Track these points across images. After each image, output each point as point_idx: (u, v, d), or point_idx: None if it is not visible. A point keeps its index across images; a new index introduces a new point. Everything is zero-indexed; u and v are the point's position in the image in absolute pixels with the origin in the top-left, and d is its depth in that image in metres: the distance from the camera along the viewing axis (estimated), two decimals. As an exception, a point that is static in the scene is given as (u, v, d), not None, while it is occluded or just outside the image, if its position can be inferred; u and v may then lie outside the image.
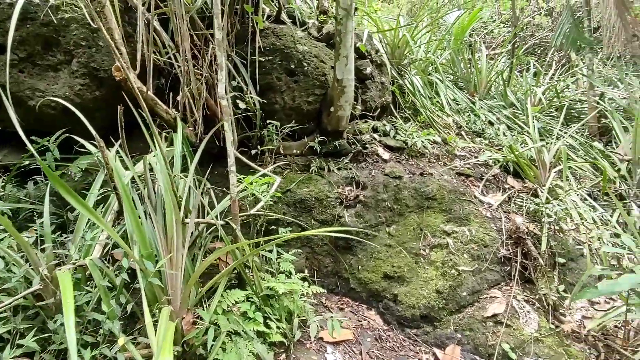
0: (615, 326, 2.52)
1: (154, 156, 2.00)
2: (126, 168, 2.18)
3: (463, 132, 4.56)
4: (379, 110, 4.04)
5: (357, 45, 3.43)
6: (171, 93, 2.97)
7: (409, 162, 3.49)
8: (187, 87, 2.76)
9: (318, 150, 3.31)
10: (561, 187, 3.70)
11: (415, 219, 3.06)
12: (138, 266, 1.62)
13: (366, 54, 3.92)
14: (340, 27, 3.02)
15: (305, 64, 3.28)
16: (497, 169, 3.75)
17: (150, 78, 2.43)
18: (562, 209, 2.91)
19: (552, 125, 4.81)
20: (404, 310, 2.69)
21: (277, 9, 3.62)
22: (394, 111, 4.30)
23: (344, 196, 3.17)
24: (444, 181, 3.27)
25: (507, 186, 3.61)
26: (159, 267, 1.61)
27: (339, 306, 2.87)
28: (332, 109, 3.26)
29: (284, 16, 3.77)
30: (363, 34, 3.88)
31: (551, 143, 3.82)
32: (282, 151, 3.34)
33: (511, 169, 3.83)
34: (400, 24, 4.73)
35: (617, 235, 3.27)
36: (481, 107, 5.23)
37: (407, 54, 4.85)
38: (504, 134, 4.71)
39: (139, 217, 1.83)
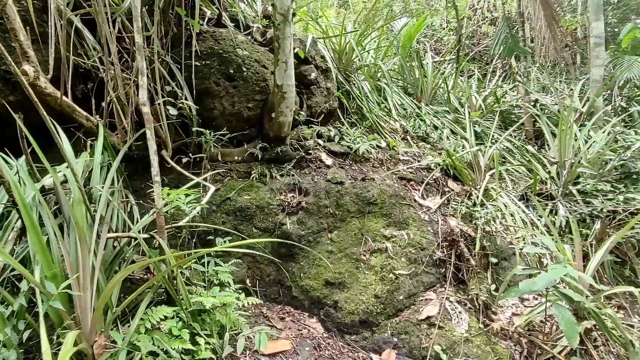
0: (542, 321, 2.66)
1: (67, 167, 1.85)
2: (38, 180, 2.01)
3: (408, 137, 4.68)
4: (325, 115, 4.04)
5: (296, 50, 3.41)
6: (100, 98, 2.80)
7: (353, 168, 3.52)
8: (113, 92, 2.61)
9: (260, 156, 3.26)
10: (495, 189, 3.89)
11: (357, 224, 3.08)
12: (38, 289, 1.48)
13: (310, 59, 3.91)
14: (278, 32, 2.99)
15: (244, 69, 3.22)
16: (438, 172, 3.87)
17: (66, 82, 2.27)
18: (491, 211, 3.04)
19: (491, 129, 5.05)
20: (344, 316, 2.68)
21: (218, 12, 3.54)
22: (341, 116, 4.33)
23: (287, 203, 3.13)
24: (385, 186, 3.32)
25: (447, 189, 3.74)
26: (62, 289, 1.49)
27: (280, 316, 2.82)
28: (273, 115, 3.21)
29: (225, 20, 3.69)
30: (307, 39, 3.87)
31: (488, 147, 4.00)
32: (222, 158, 3.24)
33: (451, 173, 3.97)
34: (347, 30, 4.79)
35: (546, 234, 3.48)
36: (427, 112, 5.40)
37: (354, 60, 4.91)
38: (447, 138, 4.88)
39: (46, 235, 1.68)
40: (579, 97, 5.11)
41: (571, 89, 5.20)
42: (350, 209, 3.12)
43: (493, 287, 2.76)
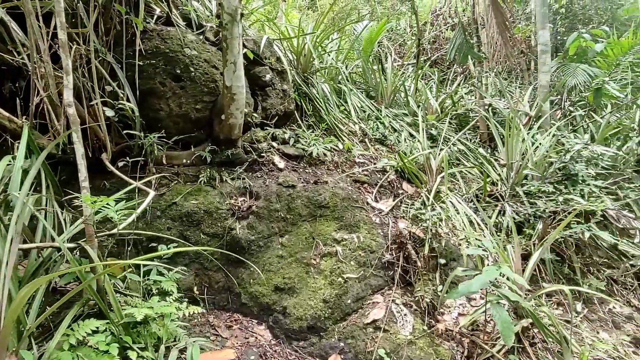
0: (486, 320, 2.72)
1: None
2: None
3: (367, 139, 4.71)
4: (280, 117, 3.99)
5: (245, 51, 3.34)
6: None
7: (307, 171, 3.49)
8: (44, 91, 2.45)
9: (209, 159, 3.16)
10: (449, 190, 3.98)
11: (308, 228, 3.05)
12: None
13: (264, 60, 3.86)
14: (226, 32, 2.92)
15: (192, 69, 3.12)
16: (393, 175, 3.92)
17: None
18: (439, 213, 3.10)
19: (447, 132, 5.17)
20: (292, 322, 2.64)
21: (167, 10, 3.41)
22: (299, 119, 4.29)
23: (237, 207, 3.06)
24: (338, 189, 3.31)
25: (401, 191, 3.78)
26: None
27: (227, 324, 2.74)
28: (223, 117, 3.13)
29: (176, 18, 3.57)
30: (261, 40, 3.81)
31: (443, 149, 4.09)
32: (169, 161, 3.12)
33: (406, 175, 4.02)
34: (306, 32, 4.76)
35: (494, 235, 3.59)
36: (386, 115, 5.46)
37: (313, 62, 4.90)
38: (405, 140, 4.96)
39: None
40: (529, 102, 5.32)
41: (523, 94, 5.41)
42: (302, 212, 3.08)
43: (440, 287, 2.81)
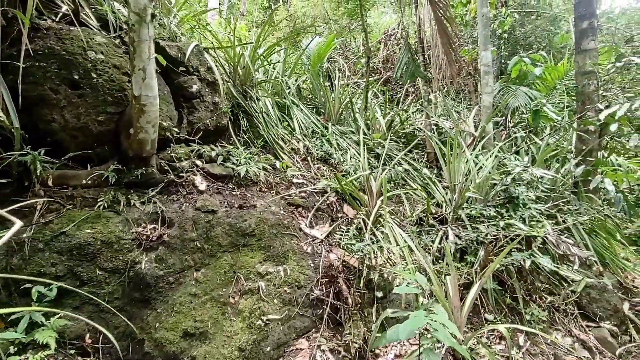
0: (424, 361, 2.45)
1: None
2: None
3: (309, 158, 4.42)
4: (211, 133, 3.61)
5: (155, 56, 2.95)
6: None
7: (233, 193, 3.11)
8: None
9: (114, 180, 2.71)
10: (391, 213, 3.76)
11: (229, 260, 2.66)
12: None
13: (192, 69, 3.49)
14: (133, 34, 2.53)
15: (95, 75, 2.68)
16: (333, 196, 3.64)
17: None
18: (375, 242, 2.84)
19: (393, 151, 5.02)
20: (201, 376, 2.22)
21: (73, 7, 2.97)
22: (233, 135, 3.93)
23: (144, 236, 2.61)
24: (268, 213, 2.96)
25: (340, 215, 3.50)
26: None
27: (122, 381, 2.26)
28: (131, 131, 2.71)
29: (88, 18, 3.13)
30: (187, 47, 3.45)
31: (384, 170, 3.88)
32: (63, 182, 2.63)
33: (348, 197, 3.76)
34: (250, 43, 4.46)
35: (437, 261, 3.39)
36: (333, 132, 5.24)
37: (253, 75, 4.58)
38: (350, 159, 4.73)
39: None
40: (475, 122, 5.32)
41: (469, 115, 5.42)
42: (222, 242, 2.69)
43: (378, 325, 2.51)
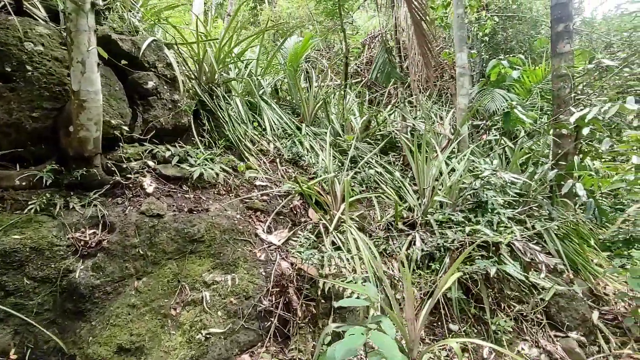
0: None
1: None
2: None
3: (279, 160, 4.26)
4: (169, 132, 3.43)
5: (93, 48, 2.77)
6: None
7: (186, 196, 2.93)
8: None
9: (50, 181, 2.51)
10: (362, 217, 3.62)
11: (173, 268, 2.48)
12: None
13: (148, 65, 3.30)
14: (70, 24, 2.35)
15: (30, 68, 2.49)
16: (298, 200, 3.48)
17: None
18: (335, 249, 2.69)
19: (367, 154, 4.89)
20: (132, 396, 2.03)
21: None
22: (195, 135, 3.74)
23: (82, 242, 2.42)
24: (222, 218, 2.79)
25: (304, 219, 3.34)
26: None
27: (45, 401, 2.06)
28: (71, 129, 2.52)
29: (35, 9, 2.93)
30: (143, 42, 3.26)
31: (345, 174, 3.74)
32: (-8, 183, 2.43)
33: (313, 200, 3.60)
34: (221, 41, 4.28)
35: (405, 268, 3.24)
36: (307, 133, 5.09)
37: (221, 73, 4.41)
38: (323, 161, 4.58)
39: None
40: (452, 125, 5.23)
41: (441, 117, 5.32)
42: (167, 248, 2.51)
43: (329, 339, 2.35)
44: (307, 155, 4.54)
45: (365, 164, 4.87)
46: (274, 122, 4.97)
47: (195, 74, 4.10)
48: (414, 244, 3.35)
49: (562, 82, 4.77)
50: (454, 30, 4.72)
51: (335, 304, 2.56)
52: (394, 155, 5.52)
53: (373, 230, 3.76)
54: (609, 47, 7.90)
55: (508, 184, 3.28)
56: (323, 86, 6.78)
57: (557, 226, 3.65)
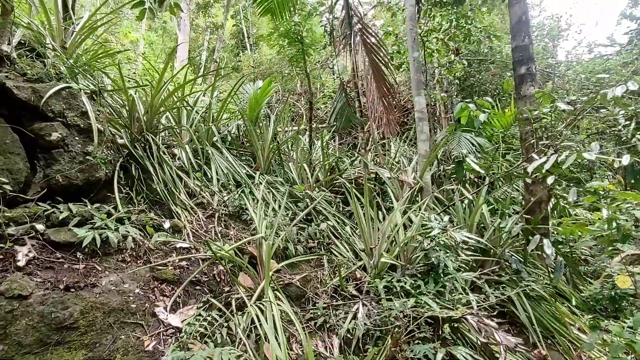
0: None
1: None
2: None
3: (217, 215, 3.83)
4: (78, 188, 3.03)
5: None
6: None
7: (74, 267, 2.46)
8: None
9: None
10: (299, 283, 3.13)
11: (29, 367, 1.96)
12: None
13: (53, 115, 2.96)
14: None
15: None
16: (223, 265, 3.01)
17: None
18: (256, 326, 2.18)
19: (323, 204, 4.48)
20: None
21: None
22: (116, 190, 3.31)
23: None
24: (111, 295, 2.31)
25: (228, 289, 2.86)
26: None
27: None
28: None
29: None
30: (48, 90, 2.94)
31: (274, 235, 3.30)
32: None
33: (246, 263, 3.13)
34: (161, 84, 4.00)
35: (346, 346, 2.72)
36: (260, 182, 4.71)
37: (159, 120, 4.10)
38: (274, 212, 4.15)
39: None
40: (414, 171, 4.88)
41: (410, 160, 4.98)
42: (25, 340, 2.01)
43: None
44: (256, 207, 4.12)
45: (321, 216, 4.46)
46: (222, 171, 4.61)
47: (125, 122, 3.77)
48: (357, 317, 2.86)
49: (527, 125, 4.51)
50: (411, 73, 4.51)
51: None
52: (361, 204, 5.12)
53: (319, 296, 3.28)
54: (581, 90, 7.84)
55: (457, 245, 2.85)
56: (288, 131, 6.52)
57: (527, 288, 3.19)
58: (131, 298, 2.37)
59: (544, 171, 2.72)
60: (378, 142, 7.12)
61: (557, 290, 3.83)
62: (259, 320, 2.39)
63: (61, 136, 2.95)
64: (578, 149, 3.83)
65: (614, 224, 2.67)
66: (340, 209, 4.80)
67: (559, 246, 3.40)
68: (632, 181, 2.85)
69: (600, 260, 4.49)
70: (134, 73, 6.59)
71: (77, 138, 3.09)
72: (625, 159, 2.92)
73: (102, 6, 4.41)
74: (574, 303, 3.83)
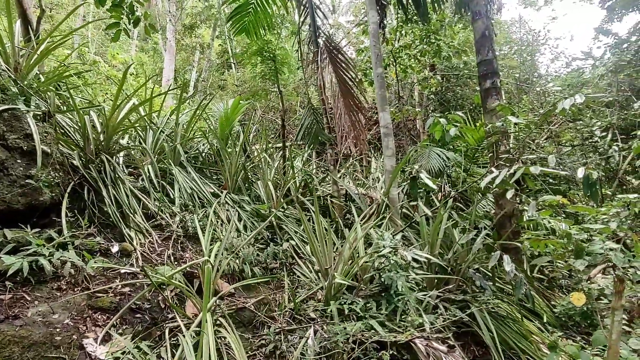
0: None
1: None
2: None
3: (174, 236, 3.71)
4: (17, 214, 2.91)
5: None
6: None
7: (0, 297, 2.33)
8: None
9: None
10: (253, 307, 3.00)
11: None
12: None
13: (-8, 138, 2.87)
14: None
15: None
16: (170, 291, 2.88)
17: None
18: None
19: (288, 223, 4.38)
20: None
21: None
22: (63, 214, 3.19)
23: None
24: (35, 327, 2.17)
25: (172, 316, 2.72)
26: None
27: None
28: None
29: None
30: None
31: (224, 257, 3.19)
32: None
33: (195, 288, 3.01)
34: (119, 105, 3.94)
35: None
36: (226, 201, 4.61)
37: (116, 140, 4.02)
38: (238, 233, 4.04)
39: None
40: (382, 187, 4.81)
41: (373, 180, 4.92)
42: None
43: None
44: (217, 227, 4.01)
45: (286, 235, 4.35)
46: (186, 190, 4.51)
47: (78, 143, 3.68)
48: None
49: (495, 139, 4.49)
50: (376, 89, 4.50)
51: None
52: (328, 221, 5.02)
53: (275, 320, 3.14)
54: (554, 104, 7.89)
55: (408, 265, 2.75)
56: (267, 149, 6.46)
57: (490, 306, 3.08)
58: (58, 330, 2.23)
59: (494, 186, 2.65)
60: (356, 157, 7.09)
61: (527, 307, 3.72)
62: (195, 351, 2.25)
63: (0, 159, 2.85)
64: (544, 162, 3.80)
65: (570, 239, 2.59)
66: (310, 227, 4.69)
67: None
68: (588, 194, 2.79)
69: (584, 272, 4.40)
70: (106, 94, 6.55)
71: (19, 161, 2.99)
72: (580, 172, 2.88)
73: (54, 30, 4.40)
74: (545, 320, 3.71)
